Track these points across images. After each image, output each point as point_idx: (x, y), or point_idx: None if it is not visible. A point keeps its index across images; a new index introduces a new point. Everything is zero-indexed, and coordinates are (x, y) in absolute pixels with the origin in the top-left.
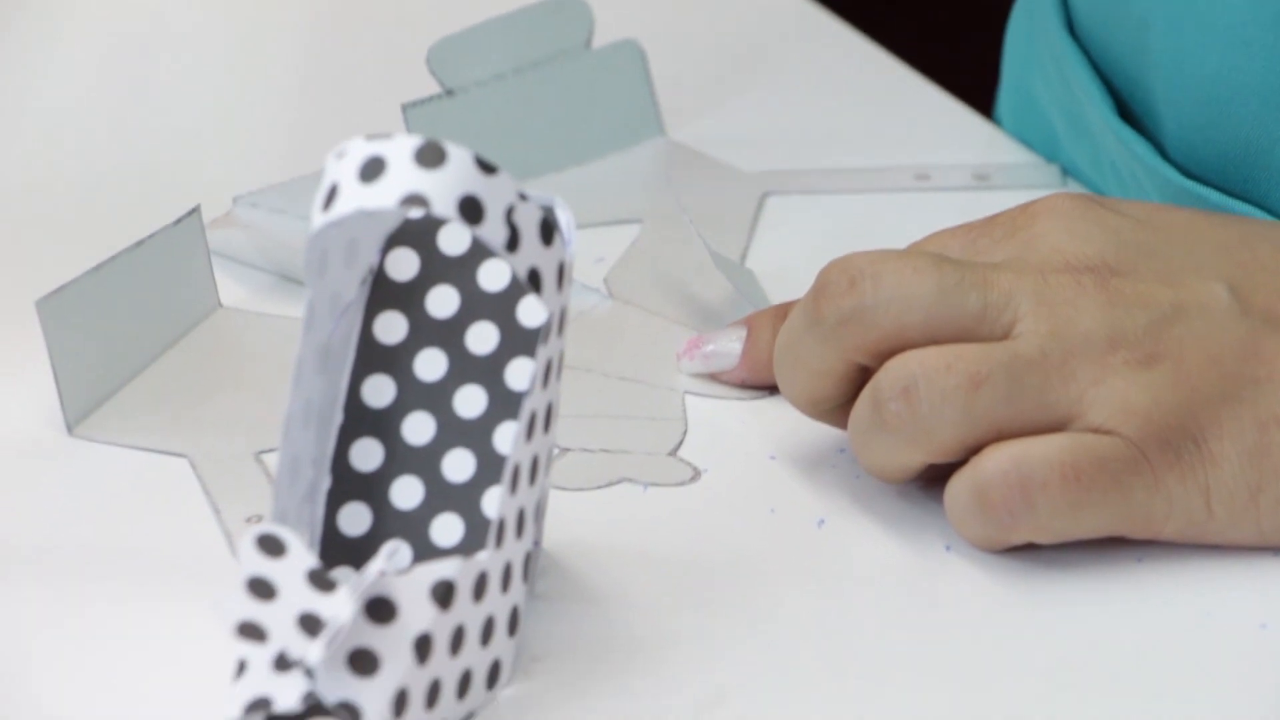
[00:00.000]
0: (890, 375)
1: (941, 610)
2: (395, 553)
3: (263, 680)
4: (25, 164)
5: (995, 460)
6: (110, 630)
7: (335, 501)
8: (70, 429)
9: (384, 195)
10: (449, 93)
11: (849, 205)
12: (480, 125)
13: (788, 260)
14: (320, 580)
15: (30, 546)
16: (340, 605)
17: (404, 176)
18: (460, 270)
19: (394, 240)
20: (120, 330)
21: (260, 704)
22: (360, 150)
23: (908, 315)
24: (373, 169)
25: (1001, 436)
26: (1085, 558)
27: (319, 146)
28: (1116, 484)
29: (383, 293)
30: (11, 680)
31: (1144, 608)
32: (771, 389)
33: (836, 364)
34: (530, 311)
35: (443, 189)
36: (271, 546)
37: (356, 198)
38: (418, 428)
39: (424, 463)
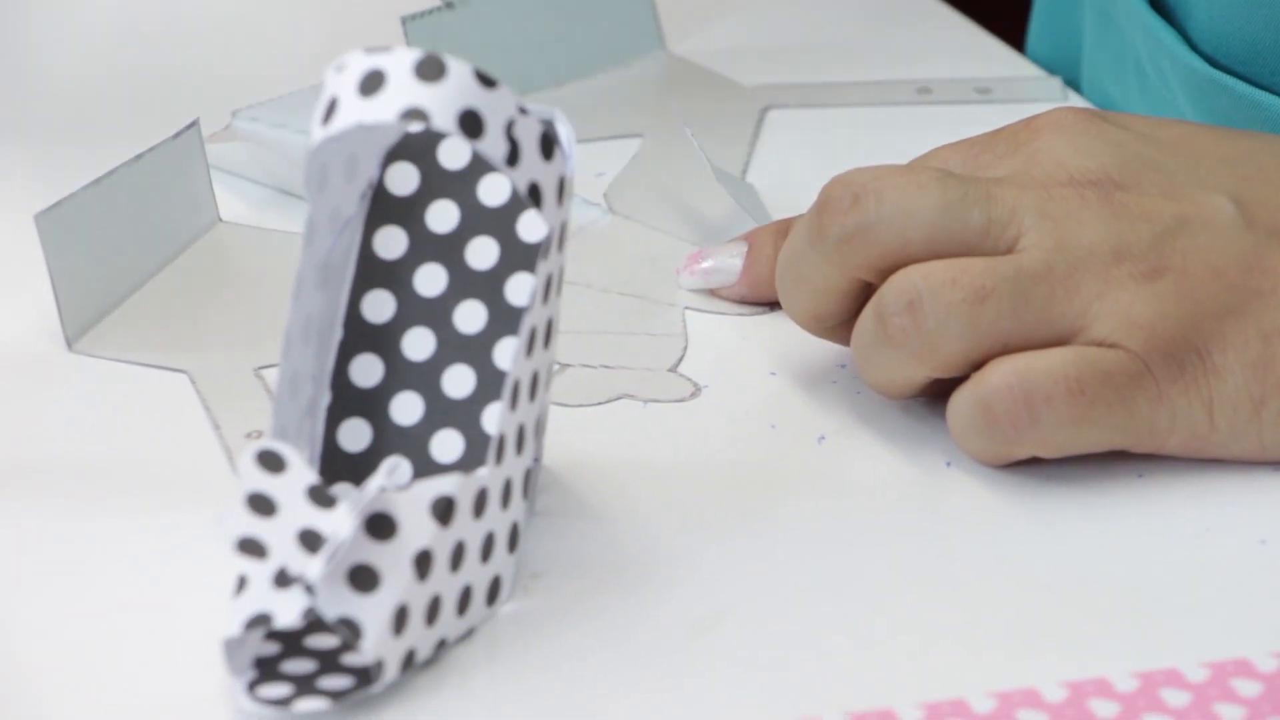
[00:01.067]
0: (894, 290)
1: (942, 525)
2: (395, 469)
3: (263, 596)
4: (24, 78)
5: (999, 374)
6: (109, 546)
7: (335, 417)
8: (70, 344)
9: (384, 109)
10: (449, 5)
11: (850, 119)
12: (480, 38)
13: (789, 174)
14: (320, 496)
15: (30, 462)
16: (340, 521)
17: (404, 90)
18: (460, 185)
19: (393, 155)
20: (119, 245)
21: (260, 620)
22: (360, 63)
23: (911, 231)
24: (372, 82)
25: (1006, 350)
26: (1086, 473)
27: (318, 60)
28: (1120, 397)
29: (382, 207)
30: (11, 595)
31: (1144, 523)
32: (772, 305)
33: (840, 281)
34: (530, 226)
35: (443, 103)
36: (271, 462)
37: (356, 111)
38: (418, 343)
39: (424, 379)
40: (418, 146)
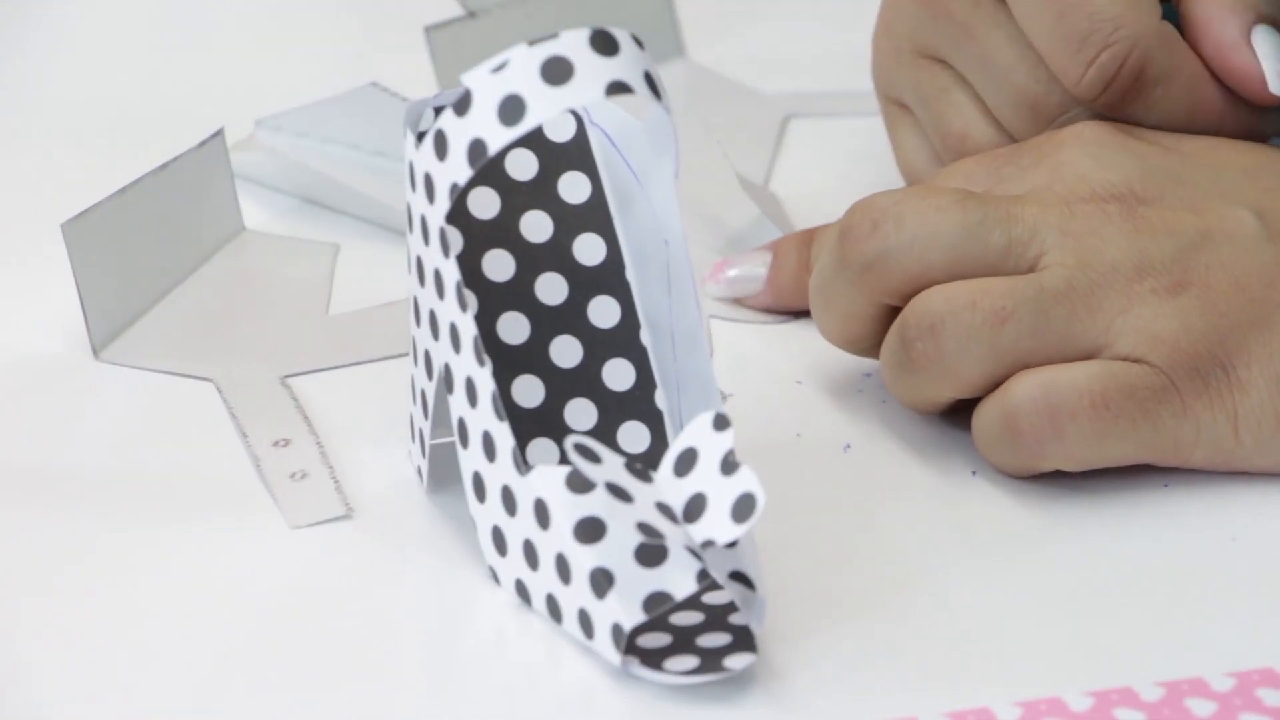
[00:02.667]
0: (915, 314)
1: (967, 534)
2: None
3: (640, 579)
4: (50, 87)
5: (1024, 389)
6: (134, 554)
7: (520, 443)
8: (96, 352)
9: (585, 91)
10: (471, 15)
11: (872, 128)
12: (502, 47)
13: (812, 184)
14: (638, 473)
15: (55, 469)
16: (751, 482)
17: (595, 69)
18: (540, 193)
19: (470, 181)
20: (145, 253)
21: (658, 598)
22: (529, 57)
23: (931, 255)
24: (558, 70)
25: (1029, 368)
26: (1112, 482)
27: (341, 69)
28: (1144, 412)
29: (477, 233)
30: (38, 602)
31: (1170, 532)
32: (796, 314)
33: (866, 306)
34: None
35: (631, 71)
36: (590, 456)
37: (555, 100)
38: (565, 352)
39: (585, 382)
40: (486, 169)
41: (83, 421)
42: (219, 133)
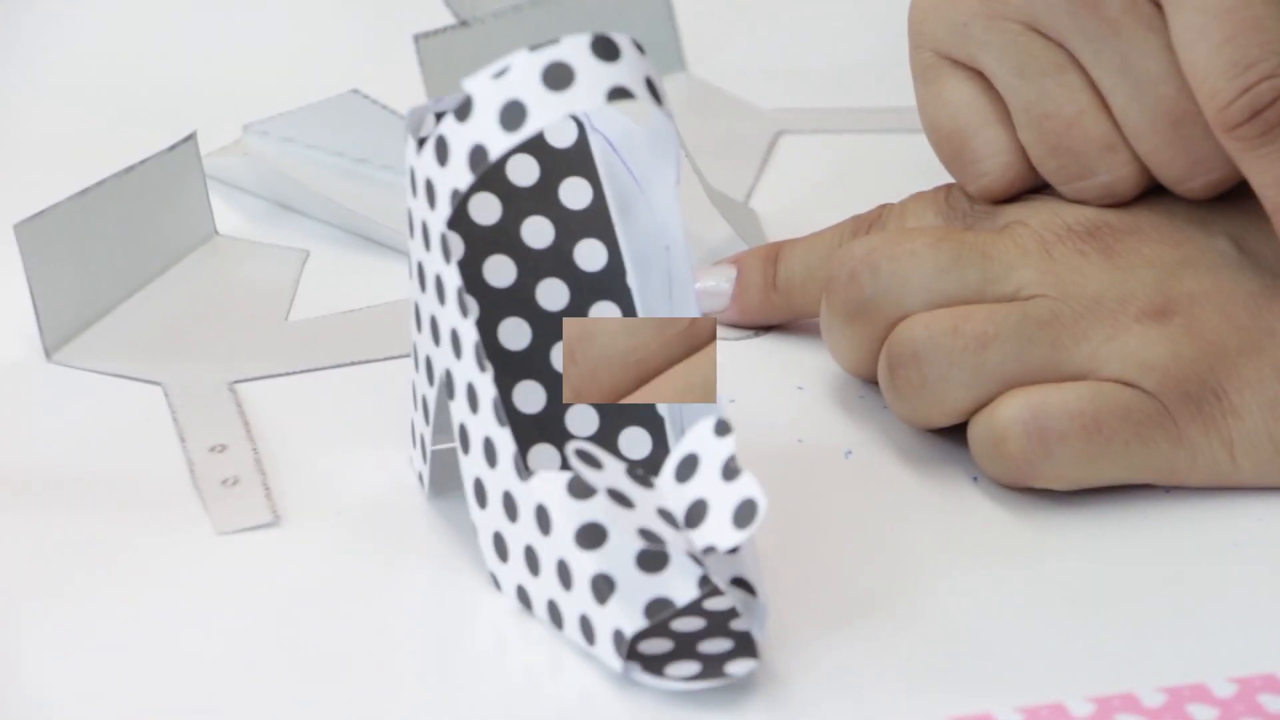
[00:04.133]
0: (898, 341)
1: (968, 540)
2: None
3: (641, 585)
4: (33, 92)
5: (1013, 409)
6: (70, 557)
7: (521, 449)
8: (48, 355)
9: (587, 97)
10: (463, 24)
11: (861, 145)
12: (492, 57)
13: (792, 199)
14: (639, 478)
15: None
16: (752, 488)
17: (596, 74)
18: (542, 198)
19: (471, 187)
20: (106, 256)
21: (659, 604)
22: (531, 62)
23: (908, 299)
24: (560, 75)
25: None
26: (1113, 488)
27: (331, 77)
28: (1138, 436)
29: (478, 238)
30: (28, 604)
31: (1172, 538)
32: (761, 329)
33: (861, 351)
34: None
35: (633, 77)
36: (592, 461)
37: (556, 105)
38: None
39: None
40: (487, 174)
41: (27, 423)
42: (190, 137)
